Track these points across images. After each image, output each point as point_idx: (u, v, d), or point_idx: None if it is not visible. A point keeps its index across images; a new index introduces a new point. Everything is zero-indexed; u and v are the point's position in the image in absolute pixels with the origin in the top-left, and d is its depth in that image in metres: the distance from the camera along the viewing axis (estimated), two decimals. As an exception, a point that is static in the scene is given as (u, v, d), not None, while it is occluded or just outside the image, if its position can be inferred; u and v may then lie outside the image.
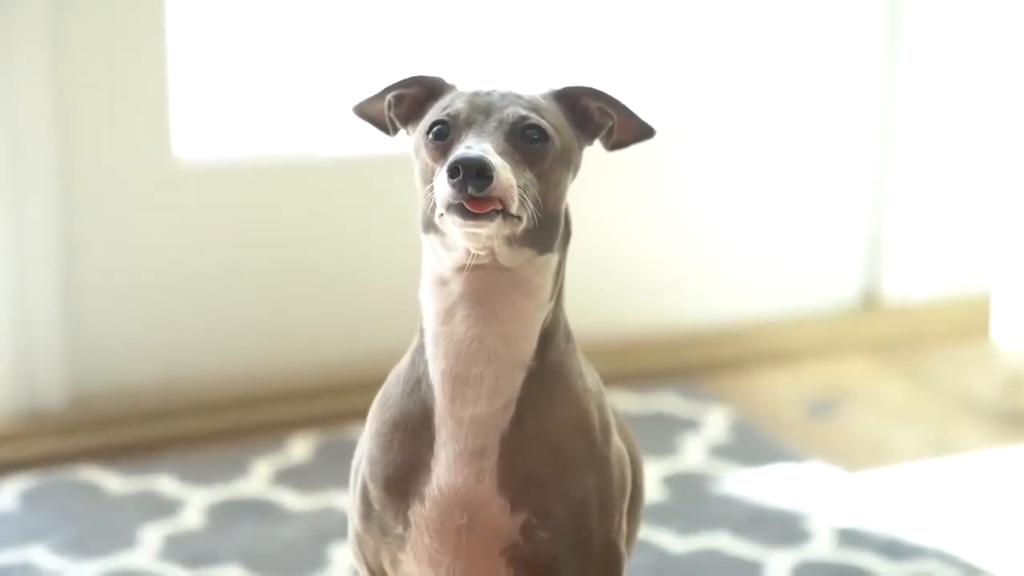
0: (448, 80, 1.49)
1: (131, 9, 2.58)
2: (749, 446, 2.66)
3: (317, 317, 2.81)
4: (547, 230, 1.40)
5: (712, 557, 2.29)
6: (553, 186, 1.40)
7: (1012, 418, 2.85)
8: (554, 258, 1.43)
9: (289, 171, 2.78)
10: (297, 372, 2.79)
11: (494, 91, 1.43)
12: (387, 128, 1.52)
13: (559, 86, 1.48)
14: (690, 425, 2.73)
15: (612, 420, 1.50)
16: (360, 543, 1.51)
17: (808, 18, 3.08)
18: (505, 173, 1.34)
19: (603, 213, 2.93)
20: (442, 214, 1.35)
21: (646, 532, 2.28)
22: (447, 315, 1.42)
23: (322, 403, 2.73)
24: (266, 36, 2.79)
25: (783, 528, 2.37)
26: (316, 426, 2.67)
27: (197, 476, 2.49)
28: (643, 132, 1.50)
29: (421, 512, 1.44)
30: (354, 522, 1.50)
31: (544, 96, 1.46)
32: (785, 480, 2.53)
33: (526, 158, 1.38)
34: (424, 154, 1.42)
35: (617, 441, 1.50)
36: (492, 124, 1.39)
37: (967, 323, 3.18)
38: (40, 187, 2.54)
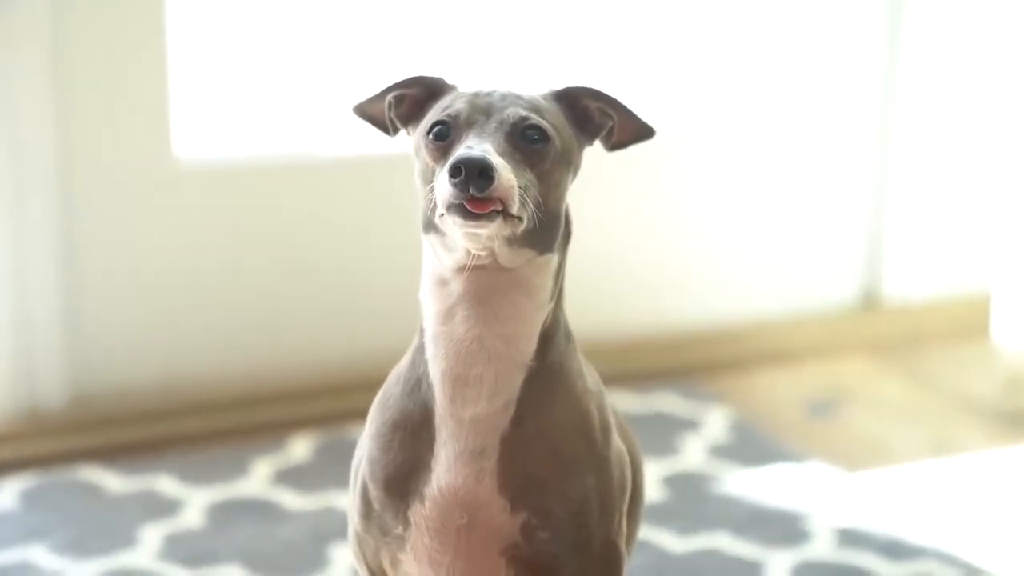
0: (448, 81, 1.49)
1: (131, 9, 2.58)
2: (749, 446, 2.66)
3: (317, 317, 2.81)
4: (547, 230, 1.40)
5: (712, 557, 2.29)
6: (553, 186, 1.41)
7: (1012, 418, 2.85)
8: (554, 258, 1.43)
9: (289, 171, 2.78)
10: (297, 372, 2.79)
11: (494, 92, 1.43)
12: (387, 128, 1.52)
13: (559, 86, 1.48)
14: (690, 425, 2.73)
15: (612, 420, 1.51)
16: (360, 543, 1.51)
17: (808, 18, 3.08)
18: (506, 174, 1.34)
19: (603, 213, 2.93)
20: (443, 214, 1.35)
21: (646, 532, 2.28)
22: (447, 315, 1.42)
23: (322, 403, 2.73)
24: (266, 36, 2.79)
25: (783, 528, 2.37)
26: (316, 426, 2.67)
27: (197, 476, 2.49)
28: (643, 132, 1.50)
29: (421, 512, 1.44)
30: (354, 522, 1.50)
31: (544, 97, 1.46)
32: (785, 480, 2.53)
33: (526, 159, 1.38)
34: (424, 154, 1.42)
35: (617, 441, 1.50)
36: (493, 125, 1.39)
37: (967, 323, 3.18)
38: (40, 187, 2.54)
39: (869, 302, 3.25)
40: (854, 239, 3.21)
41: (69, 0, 2.52)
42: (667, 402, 2.83)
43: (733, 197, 3.09)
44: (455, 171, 1.32)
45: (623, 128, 1.49)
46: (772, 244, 3.14)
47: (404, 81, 1.49)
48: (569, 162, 1.44)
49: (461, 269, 1.40)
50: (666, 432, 2.70)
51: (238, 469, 2.52)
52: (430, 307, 1.43)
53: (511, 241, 1.37)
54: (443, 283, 1.42)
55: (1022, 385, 2.92)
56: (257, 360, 2.77)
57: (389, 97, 1.49)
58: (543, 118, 1.41)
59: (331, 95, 2.82)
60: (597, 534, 1.45)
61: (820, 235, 3.18)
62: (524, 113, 1.40)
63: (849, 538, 2.34)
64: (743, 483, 2.52)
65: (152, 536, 2.31)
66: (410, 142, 1.48)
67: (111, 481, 2.48)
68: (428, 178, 1.40)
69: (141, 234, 2.67)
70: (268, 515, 2.39)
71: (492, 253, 1.38)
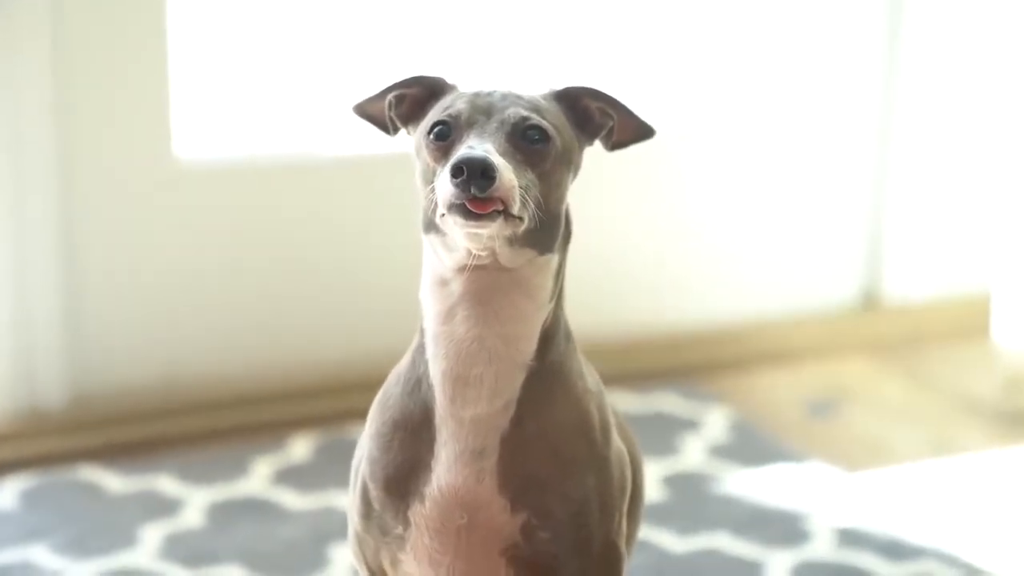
0: (449, 80, 1.49)
1: (131, 9, 2.58)
2: (749, 446, 2.66)
3: (317, 317, 2.81)
4: (548, 230, 1.40)
5: (712, 557, 2.29)
6: (554, 186, 1.41)
7: (1012, 418, 2.85)
8: (555, 258, 1.43)
9: (289, 171, 2.78)
10: (297, 372, 2.79)
11: (495, 91, 1.43)
12: (388, 128, 1.52)
13: (559, 86, 1.48)
14: (690, 425, 2.73)
15: (612, 420, 1.51)
16: (360, 543, 1.51)
17: (808, 18, 3.08)
18: (507, 174, 1.34)
19: (603, 213, 2.93)
20: (443, 214, 1.35)
21: (646, 532, 2.28)
22: (448, 315, 1.42)
23: (322, 403, 2.73)
24: (266, 36, 2.79)
25: (783, 528, 2.37)
26: (316, 426, 2.67)
27: (197, 475, 2.49)
28: (643, 132, 1.50)
29: (421, 512, 1.44)
30: (354, 522, 1.50)
31: (545, 96, 1.46)
32: (785, 480, 2.53)
33: (527, 159, 1.38)
34: (425, 154, 1.42)
35: (617, 441, 1.50)
36: (493, 125, 1.39)
37: (967, 323, 3.18)
38: (40, 187, 2.54)
39: (869, 302, 3.25)
40: (854, 239, 3.21)
41: (69, 0, 2.52)
42: (667, 402, 2.83)
43: (733, 197, 3.09)
44: (456, 171, 1.32)
45: (623, 128, 1.49)
46: (772, 244, 3.14)
47: (404, 81, 1.49)
48: (570, 162, 1.44)
49: (462, 269, 1.40)
50: (666, 432, 2.70)
51: (238, 469, 2.52)
52: (430, 307, 1.43)
53: (512, 241, 1.38)
54: (444, 283, 1.42)
55: (1022, 385, 2.92)
56: (257, 360, 2.77)
57: (389, 97, 1.49)
58: (544, 118, 1.41)
59: (331, 95, 2.82)
60: (597, 534, 1.45)
61: (820, 235, 3.18)
62: (525, 113, 1.40)
63: (849, 538, 2.34)
64: (743, 483, 2.52)
65: (152, 536, 2.31)
66: (410, 142, 1.48)
67: (111, 481, 2.48)
68: (429, 178, 1.40)
69: (141, 234, 2.67)
70: (268, 515, 2.39)
71: (493, 253, 1.38)
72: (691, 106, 3.07)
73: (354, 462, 1.52)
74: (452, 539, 1.43)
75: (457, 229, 1.36)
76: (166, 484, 2.47)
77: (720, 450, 2.64)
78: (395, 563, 1.48)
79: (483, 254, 1.38)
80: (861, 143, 3.17)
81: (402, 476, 1.44)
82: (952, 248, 3.26)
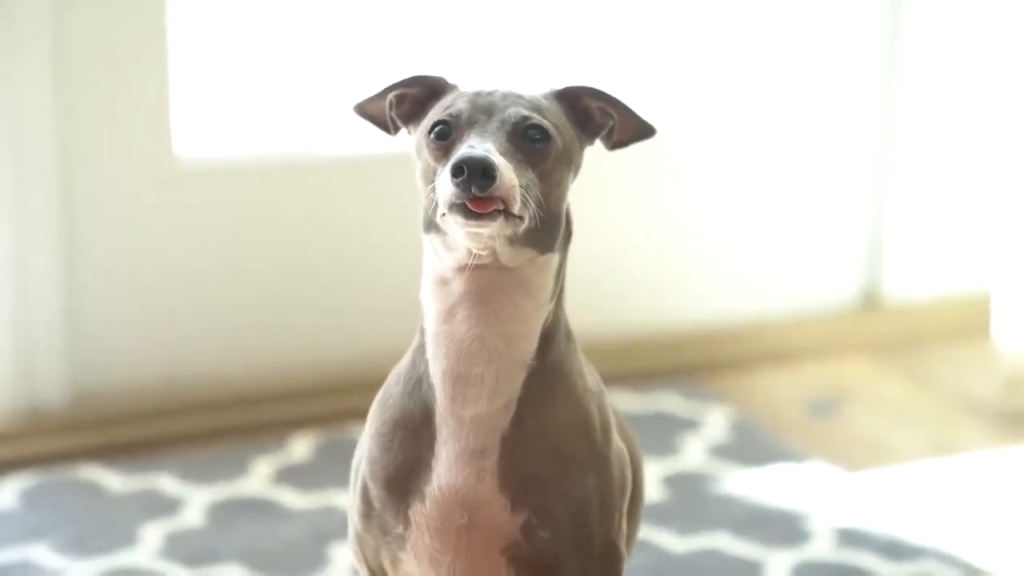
0: (450, 80, 1.49)
1: (132, 9, 2.58)
2: (749, 446, 2.66)
3: (317, 317, 2.81)
4: (548, 230, 1.40)
5: (712, 557, 2.29)
6: (555, 186, 1.41)
7: (1012, 418, 2.85)
8: (555, 258, 1.43)
9: (290, 170, 2.78)
10: (297, 371, 2.79)
11: (496, 91, 1.43)
12: (388, 127, 1.52)
13: (560, 86, 1.48)
14: (690, 425, 2.73)
15: (612, 420, 1.51)
16: (360, 542, 1.51)
17: (808, 18, 3.08)
18: (508, 173, 1.34)
19: (604, 213, 2.93)
20: (444, 214, 1.35)
21: (646, 532, 2.28)
22: (448, 315, 1.42)
23: (322, 402, 2.73)
24: (267, 35, 2.79)
25: (783, 528, 2.37)
26: (316, 425, 2.67)
27: (198, 475, 2.49)
28: (644, 132, 1.50)
29: (422, 511, 1.44)
30: (354, 521, 1.50)
31: (545, 96, 1.46)
32: (785, 480, 2.53)
33: (528, 158, 1.38)
34: (426, 154, 1.42)
35: (617, 441, 1.50)
36: (494, 124, 1.39)
37: (967, 323, 3.18)
38: (41, 187, 2.54)
39: (869, 302, 3.25)
40: (855, 239, 3.21)
41: (70, 0, 2.52)
42: (667, 402, 2.83)
43: (734, 197, 3.09)
44: (457, 171, 1.33)
45: (624, 127, 1.49)
46: (773, 244, 3.14)
47: (405, 80, 1.49)
48: (570, 161, 1.44)
49: (462, 268, 1.40)
50: (666, 432, 2.70)
51: (238, 468, 2.52)
52: (431, 306, 1.44)
53: (512, 240, 1.38)
54: (444, 282, 1.42)
55: (1022, 385, 2.92)
56: (257, 359, 2.77)
57: (390, 96, 1.50)
58: (544, 118, 1.41)
59: (332, 94, 2.82)
60: (597, 534, 1.45)
61: (821, 235, 3.18)
62: (526, 113, 1.40)
63: (849, 538, 2.34)
64: (743, 483, 2.52)
65: (152, 535, 2.31)
66: (411, 141, 1.48)
67: (112, 480, 2.48)
68: (429, 177, 1.41)
69: (142, 233, 2.67)
70: (268, 514, 2.39)
71: (493, 252, 1.38)
72: (692, 106, 3.07)
73: (354, 462, 1.52)
74: (452, 538, 1.43)
75: (458, 228, 1.36)
76: (166, 483, 2.47)
77: (720, 450, 2.64)
78: (395, 562, 1.48)
79: (483, 253, 1.38)
80: (861, 143, 3.17)
81: (402, 475, 1.45)
82: (952, 248, 3.26)
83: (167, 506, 2.40)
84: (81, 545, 2.27)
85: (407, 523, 1.45)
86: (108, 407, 2.65)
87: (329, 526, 2.33)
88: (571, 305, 1.49)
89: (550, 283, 1.43)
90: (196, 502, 2.41)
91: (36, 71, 2.50)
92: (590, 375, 1.50)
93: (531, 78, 2.74)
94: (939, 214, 3.23)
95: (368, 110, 1.52)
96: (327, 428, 2.66)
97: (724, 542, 2.33)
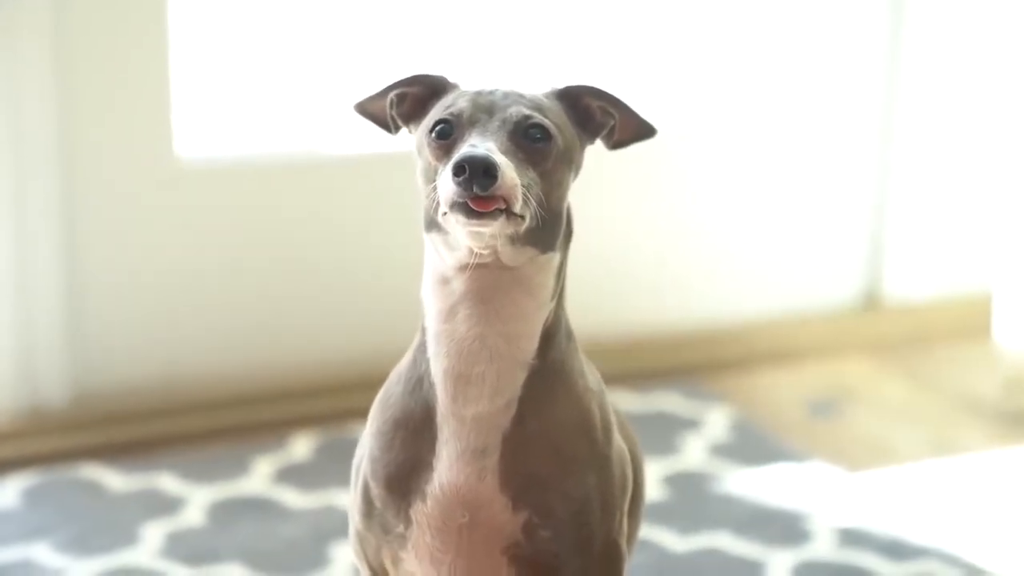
0: (451, 79, 1.49)
1: (133, 8, 2.58)
2: (750, 446, 2.66)
3: (318, 316, 2.81)
4: (549, 229, 1.40)
5: (713, 556, 2.29)
6: (556, 185, 1.41)
7: (1013, 418, 2.85)
8: (556, 257, 1.43)
9: (290, 170, 2.78)
10: (298, 371, 2.79)
11: (497, 90, 1.43)
12: (389, 127, 1.52)
13: (561, 85, 1.48)
14: (691, 424, 2.73)
15: (613, 419, 1.50)
16: (361, 541, 1.51)
17: (810, 17, 3.08)
18: (510, 172, 1.34)
19: (605, 212, 2.93)
20: (445, 213, 1.35)
21: (647, 531, 2.28)
22: (449, 314, 1.42)
23: (323, 402, 2.73)
24: (268, 35, 2.80)
25: (784, 528, 2.37)
26: (317, 425, 2.67)
27: (198, 474, 2.49)
28: (644, 131, 1.50)
29: (423, 510, 1.44)
30: (355, 520, 1.50)
31: (546, 95, 1.46)
32: (786, 480, 2.53)
33: (529, 157, 1.38)
34: (427, 153, 1.42)
35: (618, 440, 1.50)
36: (495, 123, 1.39)
37: (968, 323, 3.18)
38: (42, 186, 2.54)
39: (870, 302, 3.25)
40: (856, 239, 3.21)
41: (71, -1, 2.52)
42: (668, 401, 2.83)
43: (734, 196, 3.09)
44: (459, 169, 1.33)
45: (624, 127, 1.49)
46: (773, 244, 3.14)
47: (406, 79, 1.49)
48: (571, 161, 1.44)
49: (463, 267, 1.40)
50: (667, 431, 2.70)
51: (239, 468, 2.52)
52: (432, 305, 1.43)
53: (514, 240, 1.38)
54: (445, 281, 1.42)
55: (1023, 385, 2.92)
56: (258, 359, 2.77)
57: (391, 95, 1.49)
58: (546, 117, 1.41)
59: (332, 94, 2.82)
60: (598, 533, 1.45)
61: (822, 235, 3.18)
62: (527, 112, 1.40)
63: (850, 538, 2.34)
64: (744, 483, 2.52)
65: (153, 534, 2.31)
66: (412, 140, 1.48)
67: (112, 479, 2.48)
68: (430, 176, 1.41)
69: (142, 233, 2.67)
70: (269, 513, 2.39)
71: (495, 252, 1.38)
72: (693, 106, 3.07)
73: (355, 461, 1.52)
74: (453, 538, 1.43)
75: (459, 227, 1.36)
76: (167, 483, 2.47)
77: (721, 449, 2.64)
78: (396, 562, 1.48)
79: (485, 252, 1.38)
80: (863, 143, 3.17)
81: (403, 474, 1.44)
82: (953, 248, 3.26)
83: (168, 505, 2.40)
84: (82, 544, 2.27)
85: (408, 522, 1.45)
86: (109, 406, 2.66)
87: (330, 525, 2.33)
88: (572, 304, 1.49)
89: (551, 282, 1.43)
90: (197, 501, 2.42)
91: (37, 71, 2.50)
92: (591, 374, 1.50)
93: (532, 77, 2.74)
94: (940, 214, 3.23)
95: (369, 109, 1.52)
96: (327, 427, 2.66)
97: (725, 542, 2.33)
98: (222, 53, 2.78)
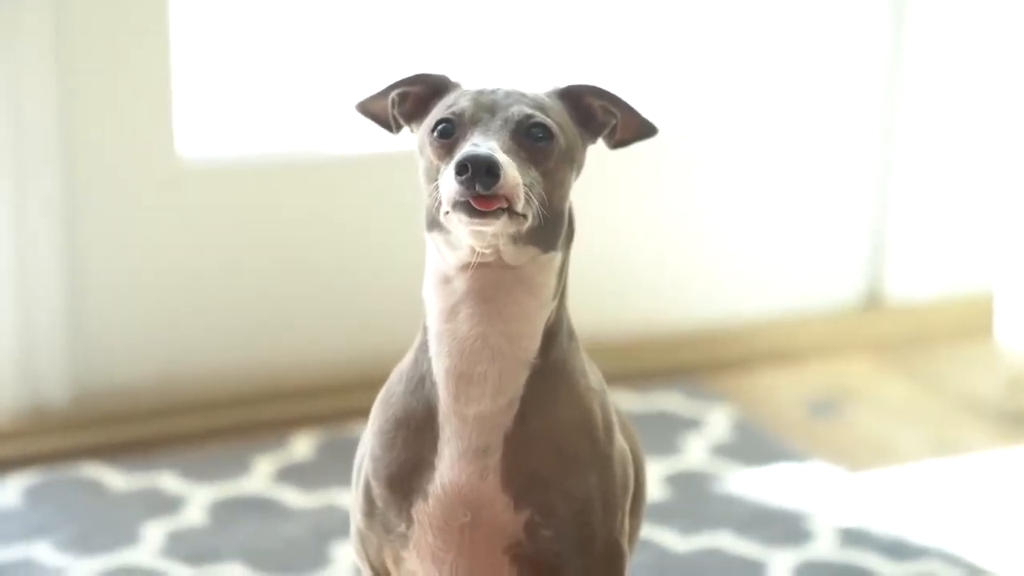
0: (452, 78, 1.49)
1: (134, 7, 2.58)
2: (751, 445, 2.66)
3: (319, 315, 2.81)
4: (551, 228, 1.40)
5: (714, 556, 2.29)
6: (558, 184, 1.41)
7: (1015, 418, 2.85)
8: (558, 256, 1.43)
9: (292, 170, 2.78)
10: (299, 370, 2.79)
11: (499, 89, 1.43)
12: (390, 126, 1.52)
13: (563, 84, 1.48)
14: (692, 424, 2.73)
15: (615, 418, 1.51)
16: (363, 541, 1.51)
17: (811, 17, 3.08)
18: (512, 171, 1.34)
19: (606, 212, 2.93)
20: (448, 212, 1.35)
21: (648, 531, 2.28)
22: (451, 313, 1.42)
23: (324, 401, 2.73)
24: (269, 34, 2.79)
25: (785, 528, 2.37)
26: (318, 424, 2.67)
27: (199, 473, 2.49)
28: (646, 131, 1.50)
29: (424, 510, 1.44)
30: (357, 520, 1.50)
31: (548, 94, 1.46)
32: (787, 480, 2.53)
33: (531, 156, 1.38)
34: (429, 152, 1.42)
35: (620, 439, 1.50)
36: (497, 122, 1.39)
37: (970, 323, 3.18)
38: (43, 186, 2.54)
39: (872, 302, 3.25)
40: (857, 238, 3.21)
41: (72, -2, 2.52)
42: (669, 401, 2.82)
43: (736, 196, 3.09)
44: (461, 168, 1.33)
45: (626, 126, 1.49)
46: (775, 243, 3.14)
47: (408, 79, 1.49)
48: (573, 160, 1.44)
49: (465, 267, 1.40)
50: (668, 431, 2.70)
51: (240, 467, 2.52)
52: (434, 305, 1.43)
53: (516, 239, 1.38)
54: (447, 281, 1.42)
55: (1025, 385, 2.92)
56: (259, 358, 2.77)
57: (392, 94, 1.50)
58: (548, 116, 1.41)
59: (334, 93, 2.82)
60: (600, 532, 1.45)
61: (823, 234, 3.18)
62: (529, 111, 1.40)
63: (852, 538, 2.34)
64: (745, 482, 2.52)
65: (154, 533, 2.31)
66: (413, 140, 1.48)
67: (114, 479, 2.48)
68: (432, 176, 1.40)
69: (144, 233, 2.67)
70: (270, 513, 2.39)
71: (497, 251, 1.38)
72: (694, 105, 3.07)
73: (356, 460, 1.52)
74: (455, 537, 1.43)
75: (461, 227, 1.36)
76: (168, 482, 2.47)
77: (722, 449, 2.64)
78: (398, 561, 1.48)
79: (487, 252, 1.38)
80: (864, 142, 3.16)
81: (405, 474, 1.44)
82: (955, 248, 3.26)
83: (169, 505, 2.40)
84: (83, 543, 2.27)
85: (410, 521, 1.45)
86: (110, 406, 2.66)
87: (331, 525, 2.33)
88: (573, 304, 1.49)
89: (553, 281, 1.43)
90: (198, 501, 2.41)
91: (38, 70, 2.50)
92: (592, 374, 1.50)
93: (534, 76, 2.74)
94: (942, 214, 3.23)
95: (370, 108, 1.52)
96: (328, 427, 2.66)
97: (726, 541, 2.33)
98: (223, 52, 2.77)
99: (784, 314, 3.15)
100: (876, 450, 2.70)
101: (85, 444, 2.57)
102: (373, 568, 1.52)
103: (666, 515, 2.38)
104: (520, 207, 1.35)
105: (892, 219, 3.20)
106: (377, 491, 1.46)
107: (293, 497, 2.44)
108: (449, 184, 1.34)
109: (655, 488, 2.45)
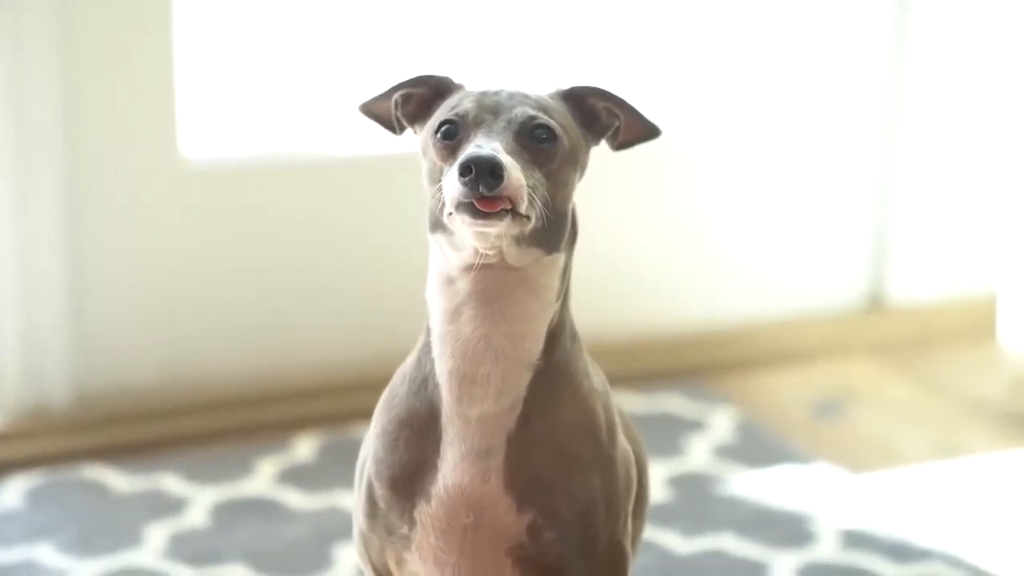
0: (456, 80, 1.49)
1: (137, 7, 2.58)
2: (754, 447, 2.66)
3: (321, 316, 2.81)
4: (555, 230, 1.40)
5: (717, 558, 2.29)
6: (561, 186, 1.41)
7: (1018, 420, 2.85)
8: (561, 258, 1.43)
9: (295, 171, 2.78)
10: (302, 371, 2.79)
11: (502, 91, 1.43)
12: (394, 127, 1.52)
13: (566, 86, 1.48)
14: (695, 426, 2.73)
15: (618, 420, 1.51)
16: (365, 542, 1.51)
17: (814, 17, 3.08)
18: (515, 173, 1.34)
19: (609, 213, 2.93)
20: (451, 213, 1.35)
21: (651, 533, 2.27)
22: (454, 314, 1.42)
23: (326, 402, 2.73)
24: (272, 35, 2.79)
25: (788, 529, 2.37)
26: (321, 425, 2.67)
27: (202, 475, 2.49)
28: (649, 132, 1.50)
29: (427, 511, 1.43)
30: (359, 521, 1.50)
31: (551, 96, 1.46)
32: (791, 481, 2.53)
33: (535, 158, 1.38)
34: (432, 153, 1.42)
35: (623, 441, 1.50)
36: (501, 124, 1.39)
37: (973, 325, 3.18)
38: (45, 187, 2.54)
39: (875, 303, 3.25)
40: (860, 240, 3.21)
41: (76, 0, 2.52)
42: (672, 403, 2.82)
43: (738, 197, 3.09)
44: (465, 170, 1.32)
45: (629, 128, 1.49)
46: (778, 245, 3.14)
47: (411, 80, 1.49)
48: (576, 161, 1.44)
49: (468, 268, 1.40)
50: (671, 433, 2.69)
51: (243, 468, 2.52)
52: (437, 306, 1.43)
53: (519, 240, 1.38)
54: (450, 282, 1.42)
55: (1027, 387, 2.92)
56: (261, 359, 2.77)
57: (396, 96, 1.50)
58: (551, 117, 1.41)
59: (337, 94, 2.82)
60: (603, 534, 1.45)
61: (826, 236, 3.18)
62: (532, 112, 1.40)
63: (855, 540, 2.34)
64: (748, 484, 2.52)
65: (157, 535, 2.31)
66: (417, 141, 1.48)
67: (116, 480, 2.48)
68: (436, 177, 1.40)
69: (146, 233, 2.67)
70: (272, 514, 2.39)
71: (500, 252, 1.38)
72: (697, 106, 3.07)
73: (359, 461, 1.52)
74: (458, 538, 1.43)
75: (465, 228, 1.36)
76: (171, 483, 2.47)
77: (725, 451, 2.64)
78: (400, 562, 1.48)
79: (490, 253, 1.38)
80: (867, 144, 3.16)
81: (408, 475, 1.44)
82: (958, 250, 3.26)
83: (171, 506, 2.40)
84: (85, 545, 2.27)
85: (412, 523, 1.45)
86: (112, 407, 2.66)
87: (333, 526, 2.32)
88: (576, 305, 1.49)
89: (556, 283, 1.43)
90: (200, 502, 2.41)
91: (41, 70, 2.50)
92: (595, 375, 1.49)
93: (537, 78, 2.74)
94: (945, 215, 3.22)
95: (374, 110, 1.52)
96: (331, 428, 2.66)
97: (729, 543, 2.33)
98: (227, 53, 2.77)
99: (787, 316, 3.15)
100: (879, 452, 2.70)
101: (87, 445, 2.57)
102: (376, 570, 1.52)
103: (669, 516, 2.38)
104: (523, 208, 1.34)
105: (895, 221, 3.20)
106: (380, 492, 1.46)
107: (295, 498, 2.44)
108: (453, 185, 1.34)
109: (658, 489, 2.45)
